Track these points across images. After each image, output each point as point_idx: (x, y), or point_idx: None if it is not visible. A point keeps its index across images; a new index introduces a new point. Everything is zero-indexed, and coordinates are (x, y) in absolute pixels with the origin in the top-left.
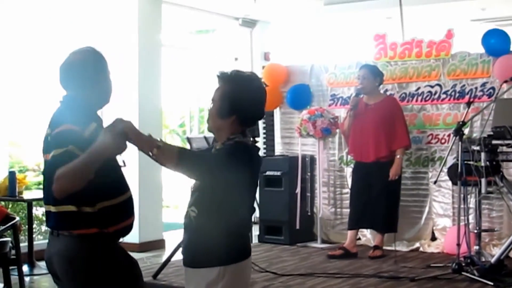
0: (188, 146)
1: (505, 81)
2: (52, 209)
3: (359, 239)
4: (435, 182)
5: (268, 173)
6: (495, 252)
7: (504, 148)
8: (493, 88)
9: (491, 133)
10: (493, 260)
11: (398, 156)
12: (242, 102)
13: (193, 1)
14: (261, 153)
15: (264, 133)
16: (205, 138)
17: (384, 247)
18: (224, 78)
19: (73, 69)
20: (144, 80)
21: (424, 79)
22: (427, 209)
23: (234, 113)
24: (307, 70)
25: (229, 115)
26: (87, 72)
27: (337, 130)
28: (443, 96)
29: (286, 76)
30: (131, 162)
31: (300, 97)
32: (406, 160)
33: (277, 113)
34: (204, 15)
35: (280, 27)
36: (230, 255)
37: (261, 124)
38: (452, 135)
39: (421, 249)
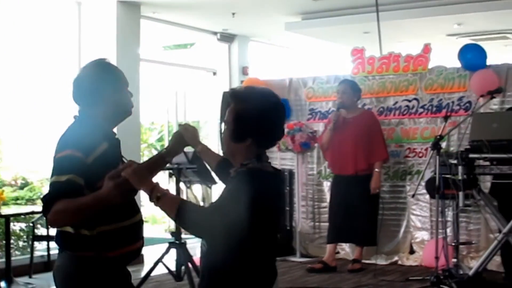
0: None
1: (482, 96)
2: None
3: (338, 252)
4: (413, 196)
5: None
6: (473, 265)
7: (481, 162)
8: (469, 102)
9: (468, 147)
10: (471, 272)
11: (377, 170)
12: (258, 122)
13: (172, 16)
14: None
15: None
16: (184, 153)
17: (363, 261)
18: (236, 96)
19: (83, 84)
20: None
21: (402, 94)
22: (405, 222)
23: (249, 136)
24: (286, 84)
25: (244, 138)
26: (97, 86)
27: (316, 144)
28: (420, 110)
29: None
30: None
31: None
32: (384, 173)
33: None
34: (182, 29)
35: (258, 41)
36: None
37: None
38: (429, 149)
39: (399, 262)
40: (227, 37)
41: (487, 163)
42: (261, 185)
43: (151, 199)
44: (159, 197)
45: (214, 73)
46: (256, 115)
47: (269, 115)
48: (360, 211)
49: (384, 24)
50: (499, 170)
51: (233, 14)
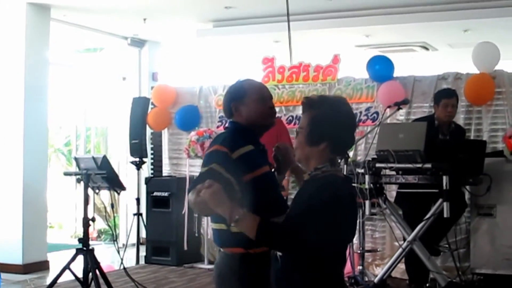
0: (74, 166)
1: (389, 106)
2: (212, 225)
3: None
4: None
5: (155, 193)
6: (378, 272)
7: (387, 171)
8: (377, 112)
9: (375, 156)
10: (376, 279)
11: (286, 178)
12: (333, 126)
13: (82, 19)
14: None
15: (152, 154)
16: (93, 158)
17: None
18: (311, 103)
19: (227, 99)
20: (30, 98)
21: None
22: None
23: (324, 139)
24: (196, 91)
25: (320, 142)
26: (236, 100)
27: None
28: None
29: (175, 97)
30: (15, 180)
31: (189, 118)
32: (292, 181)
33: (165, 134)
34: (92, 33)
35: (169, 47)
36: None
37: (148, 144)
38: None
39: None
40: (138, 42)
41: (393, 172)
42: (338, 191)
43: (230, 222)
44: (237, 220)
45: (124, 78)
46: (330, 119)
47: (343, 121)
48: None
49: (295, 33)
50: (404, 179)
51: (144, 19)
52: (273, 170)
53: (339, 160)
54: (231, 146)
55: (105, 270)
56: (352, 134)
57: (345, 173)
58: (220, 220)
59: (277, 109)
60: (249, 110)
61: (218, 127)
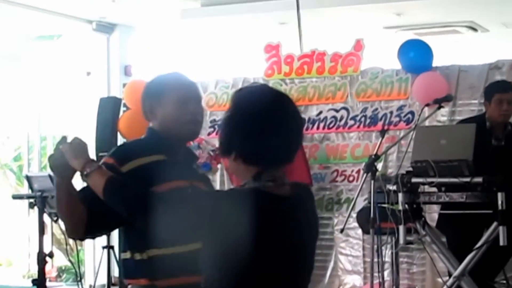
0: (26, 187)
1: (427, 105)
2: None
3: None
4: (341, 231)
5: None
6: None
7: (426, 188)
8: (412, 112)
9: (411, 169)
10: None
11: None
12: (237, 129)
13: None
14: None
15: None
16: (50, 176)
17: None
18: (231, 99)
19: (144, 96)
20: None
21: (328, 101)
22: (331, 264)
23: (232, 148)
24: None
25: (229, 151)
26: (151, 99)
27: (219, 165)
28: (350, 122)
29: None
30: None
31: None
32: None
33: None
34: (47, 17)
35: (145, 33)
36: None
37: None
38: (362, 171)
39: None
40: (106, 27)
41: (434, 189)
42: (238, 207)
43: (81, 176)
44: (88, 172)
45: (88, 73)
46: (236, 119)
47: (250, 118)
48: None
49: (306, 13)
50: (448, 198)
51: None
52: None
53: (277, 175)
54: (120, 158)
55: None
56: (276, 138)
57: (372, 190)
58: (126, 247)
59: None
60: (164, 114)
61: (209, 134)
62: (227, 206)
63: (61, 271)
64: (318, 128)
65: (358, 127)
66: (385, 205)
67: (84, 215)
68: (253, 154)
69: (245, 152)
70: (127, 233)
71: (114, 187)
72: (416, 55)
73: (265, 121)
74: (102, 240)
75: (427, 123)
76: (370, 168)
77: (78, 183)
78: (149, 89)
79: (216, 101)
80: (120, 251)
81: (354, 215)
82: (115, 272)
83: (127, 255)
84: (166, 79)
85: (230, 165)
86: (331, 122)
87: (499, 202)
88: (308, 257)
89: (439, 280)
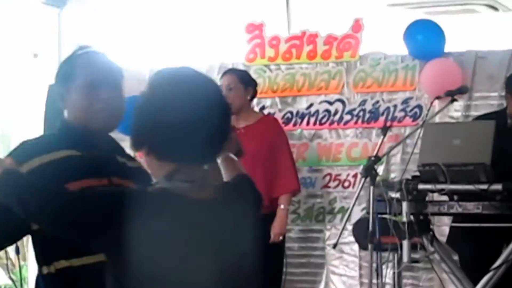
0: None
1: (438, 97)
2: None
3: None
4: (334, 246)
5: None
6: None
7: (436, 196)
8: (419, 106)
9: (417, 173)
10: None
11: (282, 206)
12: (147, 120)
13: None
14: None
15: None
16: None
17: None
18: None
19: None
20: None
21: (320, 92)
22: (322, 285)
23: (145, 141)
24: (145, 76)
25: (141, 145)
26: (60, 84)
27: None
28: (347, 117)
29: None
30: None
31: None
32: (292, 212)
33: None
34: None
35: (104, 6)
36: None
37: None
38: (360, 176)
39: None
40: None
41: (445, 197)
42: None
43: None
44: None
45: (35, 55)
46: (151, 108)
47: (169, 108)
48: (257, 268)
49: None
50: (461, 208)
51: None
52: None
53: (196, 175)
54: (18, 158)
55: None
56: (193, 131)
57: (372, 198)
58: (37, 261)
59: (267, 102)
60: (73, 102)
61: None
62: (124, 209)
63: None
64: (308, 123)
65: (356, 123)
66: (387, 216)
67: None
68: (165, 148)
69: (157, 146)
70: (34, 243)
71: (10, 180)
72: (425, 38)
73: (180, 110)
74: None
75: (437, 119)
76: (369, 172)
77: None
78: (58, 71)
79: None
80: None
81: (349, 227)
82: None
83: (38, 268)
84: (76, 59)
85: (144, 161)
86: (323, 117)
87: None
88: (245, 269)
89: None
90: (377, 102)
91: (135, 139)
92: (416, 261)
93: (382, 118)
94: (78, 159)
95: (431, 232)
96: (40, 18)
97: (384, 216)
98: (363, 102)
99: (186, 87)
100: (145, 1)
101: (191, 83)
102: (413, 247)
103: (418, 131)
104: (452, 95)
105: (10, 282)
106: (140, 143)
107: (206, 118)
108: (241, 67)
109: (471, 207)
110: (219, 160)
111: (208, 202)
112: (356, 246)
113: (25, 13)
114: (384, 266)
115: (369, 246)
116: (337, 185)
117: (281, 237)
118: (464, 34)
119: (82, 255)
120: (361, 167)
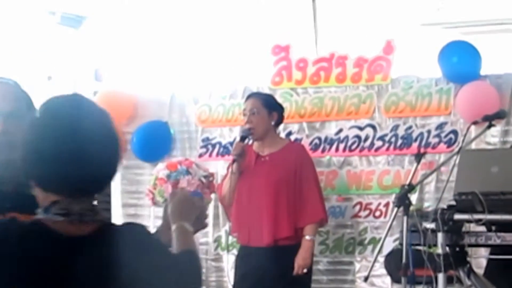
0: None
1: (475, 122)
2: None
3: None
4: (366, 279)
5: None
6: None
7: (473, 226)
8: (455, 132)
9: (453, 202)
10: None
11: (307, 237)
12: (29, 152)
13: None
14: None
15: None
16: None
17: None
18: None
19: None
20: None
21: (349, 117)
22: None
23: (28, 172)
24: (166, 100)
25: (27, 175)
26: None
27: (213, 195)
28: (378, 143)
29: (133, 108)
30: None
31: (154, 142)
32: (321, 243)
33: None
34: None
35: (121, 26)
36: None
37: None
38: (392, 205)
39: None
40: (72, 20)
41: (483, 228)
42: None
43: None
44: None
45: (49, 78)
46: (32, 138)
47: (48, 139)
48: None
49: (322, 5)
50: (500, 239)
51: None
52: None
53: (75, 208)
54: None
55: None
56: (71, 163)
57: (405, 228)
58: None
59: (294, 127)
60: None
61: (201, 155)
62: None
63: None
64: (337, 150)
65: (387, 149)
66: (421, 248)
67: None
68: (45, 180)
69: (38, 178)
70: None
71: None
72: (460, 60)
73: (60, 141)
74: None
75: (473, 145)
76: (403, 201)
77: None
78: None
79: (210, 115)
80: None
81: (381, 259)
82: None
83: None
84: None
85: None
86: (353, 143)
87: None
88: None
89: None
90: (410, 127)
91: (23, 170)
92: None
93: (415, 144)
94: None
95: (468, 265)
96: (56, 39)
97: (418, 247)
98: (395, 127)
99: (69, 118)
100: (166, 21)
101: (75, 114)
102: (449, 281)
103: (454, 158)
104: (489, 120)
105: None
106: (26, 174)
107: (88, 150)
108: (267, 91)
109: (510, 238)
110: (173, 227)
111: (78, 238)
112: (388, 279)
113: (41, 35)
114: None
115: (402, 279)
116: (368, 215)
117: (305, 270)
118: (501, 56)
119: None
120: (393, 195)
